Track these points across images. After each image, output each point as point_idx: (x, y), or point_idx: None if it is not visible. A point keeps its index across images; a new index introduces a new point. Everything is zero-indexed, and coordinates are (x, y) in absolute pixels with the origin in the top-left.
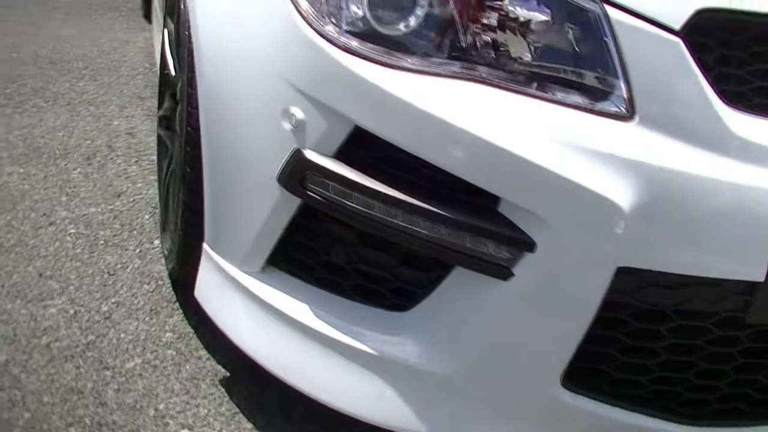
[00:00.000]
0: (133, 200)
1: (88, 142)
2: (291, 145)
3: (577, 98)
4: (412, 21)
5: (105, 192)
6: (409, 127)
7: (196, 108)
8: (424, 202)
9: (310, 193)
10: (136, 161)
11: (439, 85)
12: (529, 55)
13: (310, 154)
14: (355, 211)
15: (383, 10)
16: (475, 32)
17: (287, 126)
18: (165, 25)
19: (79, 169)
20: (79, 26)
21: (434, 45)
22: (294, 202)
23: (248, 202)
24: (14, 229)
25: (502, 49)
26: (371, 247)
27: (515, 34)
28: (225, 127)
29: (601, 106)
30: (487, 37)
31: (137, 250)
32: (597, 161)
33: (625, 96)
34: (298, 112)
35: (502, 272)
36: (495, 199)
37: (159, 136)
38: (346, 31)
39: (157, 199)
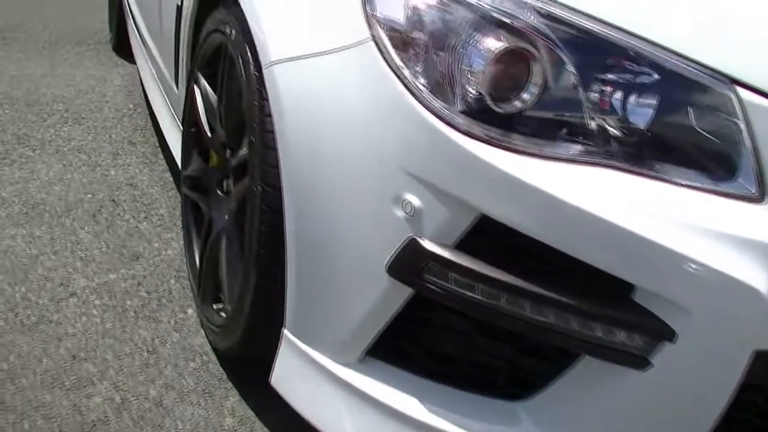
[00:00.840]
0: (154, 263)
1: (89, 196)
2: (405, 233)
3: (707, 180)
4: (528, 99)
5: (121, 254)
6: (540, 215)
7: (277, 188)
8: (554, 293)
9: (427, 284)
10: (145, 217)
11: (566, 169)
12: (658, 138)
13: (429, 244)
14: (478, 302)
15: (499, 88)
16: (598, 112)
17: (400, 213)
18: (193, 82)
19: (86, 228)
20: (48, 63)
21: (553, 125)
22: (404, 292)
23: (347, 291)
24: (33, 304)
25: (627, 130)
26: (489, 336)
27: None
28: (318, 212)
29: (731, 188)
30: (611, 119)
31: (171, 322)
32: (731, 245)
33: (755, 178)
34: (413, 199)
35: (639, 362)
36: (629, 287)
37: (186, 197)
38: (461, 112)
39: (179, 261)
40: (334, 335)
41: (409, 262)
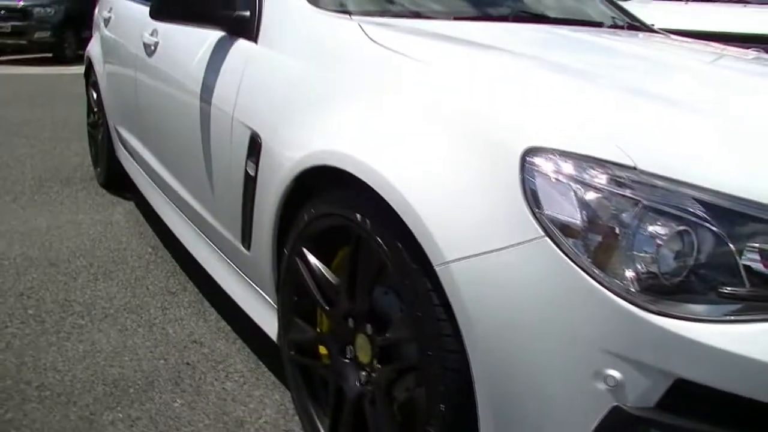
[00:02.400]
0: (260, 426)
1: (162, 362)
2: (609, 403)
3: None
4: (693, 271)
5: (225, 424)
6: (727, 371)
7: (461, 372)
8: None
9: None
10: (226, 376)
11: (737, 327)
12: None
13: (633, 409)
14: None
15: (668, 266)
16: (753, 273)
17: (602, 386)
18: (296, 256)
19: (178, 401)
20: (47, 211)
21: (716, 290)
22: None
23: None
24: None
25: None
26: None
27: None
28: (518, 395)
29: None
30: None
31: None
32: None
33: None
34: (615, 374)
35: None
36: None
37: (293, 361)
38: (642, 290)
39: (282, 420)
40: None
41: (615, 426)
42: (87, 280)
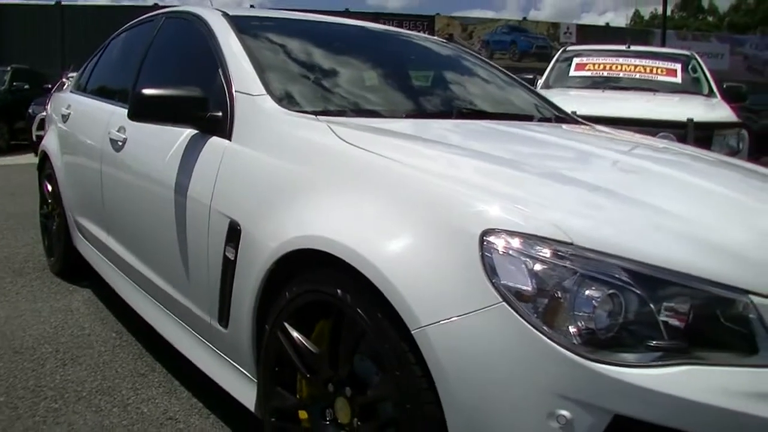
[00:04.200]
0: None
1: None
2: None
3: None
4: (623, 327)
5: None
6: (654, 406)
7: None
8: None
9: None
10: None
11: (662, 370)
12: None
13: None
14: None
15: (601, 321)
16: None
17: (554, 425)
18: (278, 330)
19: None
20: (5, 302)
21: (640, 341)
22: None
23: None
24: None
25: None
26: None
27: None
28: None
29: (760, 359)
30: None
31: None
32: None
33: None
34: (565, 413)
35: None
36: None
37: (274, 428)
38: (583, 343)
39: None
40: None
41: None
42: (55, 365)
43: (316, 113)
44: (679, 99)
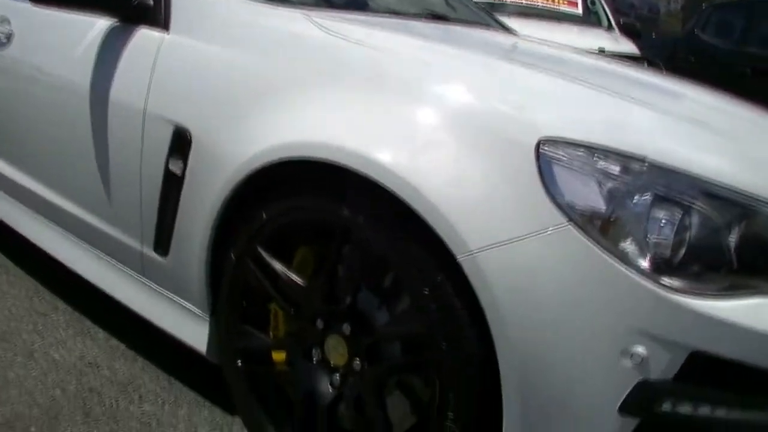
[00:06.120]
0: None
1: (59, 391)
2: (635, 378)
3: None
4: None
5: None
6: (733, 342)
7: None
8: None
9: (655, 413)
10: (139, 397)
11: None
12: None
13: (656, 383)
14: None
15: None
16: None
17: (628, 363)
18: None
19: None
20: None
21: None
22: (631, 424)
23: None
24: None
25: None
26: None
27: None
28: (546, 379)
29: None
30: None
31: None
32: None
33: None
34: (641, 350)
35: None
36: None
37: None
38: (659, 271)
39: None
40: None
41: (639, 400)
42: None
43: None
44: (581, 30)
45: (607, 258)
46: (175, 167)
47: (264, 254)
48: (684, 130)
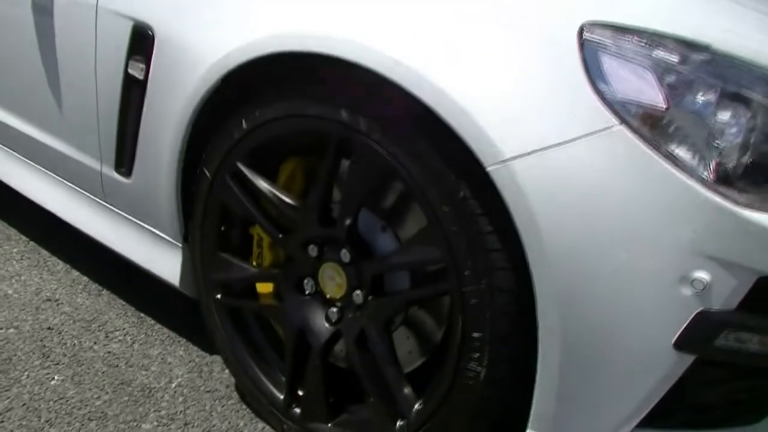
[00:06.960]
0: (173, 392)
1: (13, 331)
2: (695, 309)
3: None
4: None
5: (131, 396)
6: None
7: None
8: None
9: (715, 349)
10: (105, 336)
11: None
12: None
13: (719, 314)
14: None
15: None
16: None
17: (688, 291)
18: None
19: (57, 377)
20: None
21: None
22: (686, 362)
23: (623, 377)
24: None
25: None
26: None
27: None
28: (589, 309)
29: None
30: None
31: None
32: None
33: None
34: (703, 276)
35: None
36: None
37: (223, 308)
38: (726, 183)
39: (193, 378)
40: (603, 422)
41: (698, 334)
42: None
43: None
44: None
45: (666, 166)
46: (136, 71)
47: (245, 170)
48: (754, 18)
